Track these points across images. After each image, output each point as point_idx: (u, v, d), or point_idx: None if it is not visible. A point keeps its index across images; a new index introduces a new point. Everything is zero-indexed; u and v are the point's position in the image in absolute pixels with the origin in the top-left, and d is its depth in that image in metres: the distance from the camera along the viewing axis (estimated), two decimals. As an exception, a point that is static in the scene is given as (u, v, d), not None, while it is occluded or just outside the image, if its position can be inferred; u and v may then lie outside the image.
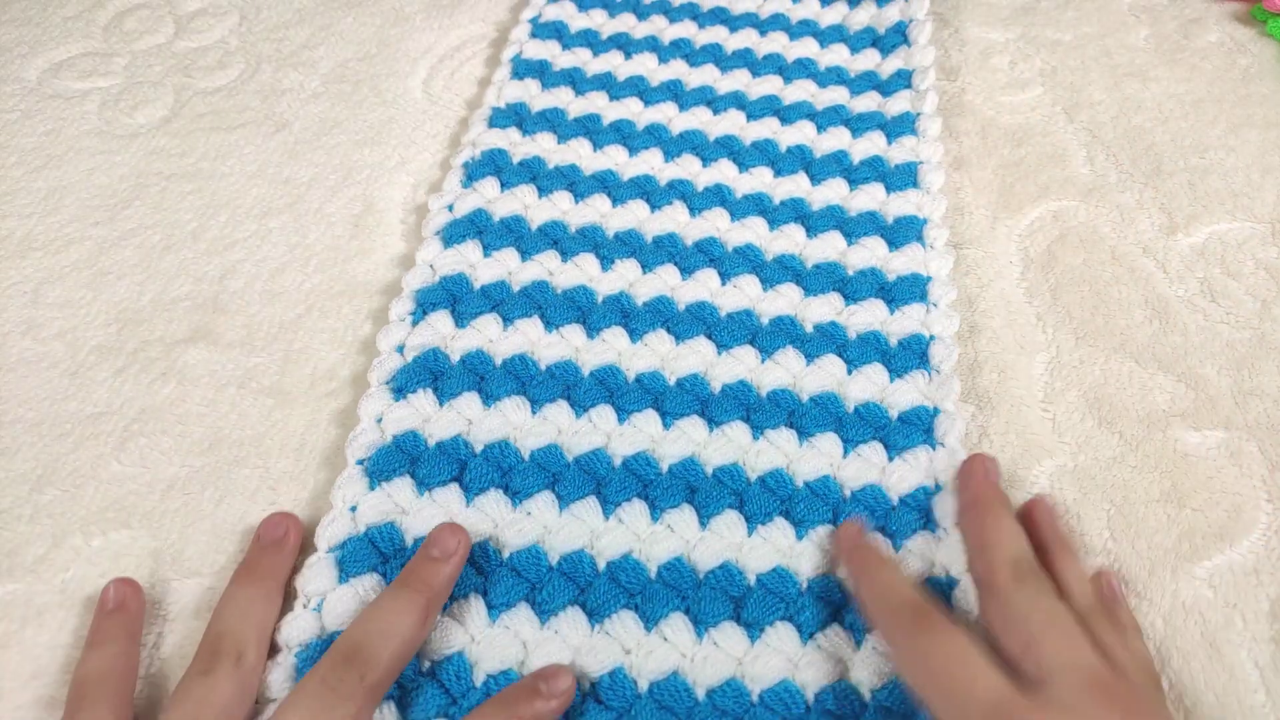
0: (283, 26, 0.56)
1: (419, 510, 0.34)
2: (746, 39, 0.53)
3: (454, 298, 0.41)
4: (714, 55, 0.52)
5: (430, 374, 0.38)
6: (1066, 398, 0.39)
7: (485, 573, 0.33)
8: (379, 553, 0.33)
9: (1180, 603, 0.33)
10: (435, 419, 0.37)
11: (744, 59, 0.52)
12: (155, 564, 0.34)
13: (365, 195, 0.47)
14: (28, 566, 0.34)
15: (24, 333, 0.41)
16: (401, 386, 0.37)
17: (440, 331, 0.39)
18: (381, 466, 0.35)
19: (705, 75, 0.51)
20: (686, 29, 0.53)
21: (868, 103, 0.49)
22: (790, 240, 0.43)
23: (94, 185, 0.47)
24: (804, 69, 0.51)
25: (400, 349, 0.39)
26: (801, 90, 0.50)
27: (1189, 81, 0.51)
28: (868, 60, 0.51)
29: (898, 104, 0.48)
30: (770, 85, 0.50)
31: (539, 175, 0.46)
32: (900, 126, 0.47)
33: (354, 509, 0.34)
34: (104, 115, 0.50)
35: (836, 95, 0.49)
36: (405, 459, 0.35)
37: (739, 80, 0.50)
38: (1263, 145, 0.48)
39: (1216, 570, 0.34)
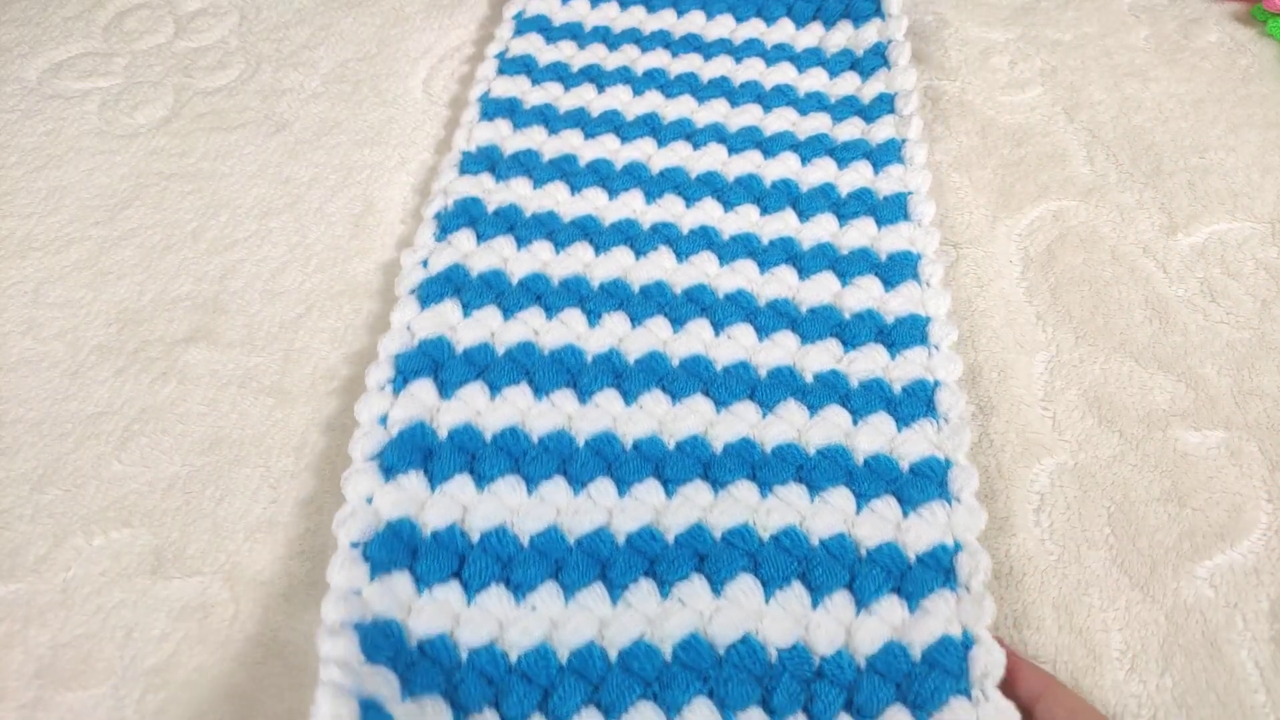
0: (283, 26, 0.56)
1: (421, 609, 0.32)
2: (722, 66, 0.51)
3: (436, 364, 0.38)
4: (690, 85, 0.49)
5: (419, 452, 0.35)
6: (1066, 396, 0.39)
7: (494, 681, 0.31)
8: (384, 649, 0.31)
9: (1181, 602, 0.33)
10: (430, 505, 0.34)
11: (721, 88, 0.49)
12: (156, 563, 0.34)
13: (365, 195, 0.47)
14: (29, 566, 0.34)
15: (24, 332, 0.41)
16: (391, 466, 0.35)
17: (425, 403, 0.36)
18: (380, 555, 0.32)
19: (682, 107, 0.48)
20: (660, 58, 0.51)
21: (851, 130, 0.47)
22: (782, 284, 0.41)
23: (94, 185, 0.47)
24: (783, 96, 0.49)
25: (383, 421, 0.36)
26: (782, 120, 0.48)
27: (1189, 81, 0.51)
28: (848, 84, 0.49)
29: (882, 130, 0.47)
30: (750, 115, 0.48)
31: (516, 224, 0.43)
32: (886, 155, 0.45)
33: (358, 592, 0.32)
34: (104, 115, 0.50)
35: (819, 123, 0.47)
36: (404, 549, 0.33)
37: (717, 111, 0.48)
38: (1263, 145, 0.48)
39: (1217, 570, 0.34)
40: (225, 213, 0.46)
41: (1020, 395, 0.39)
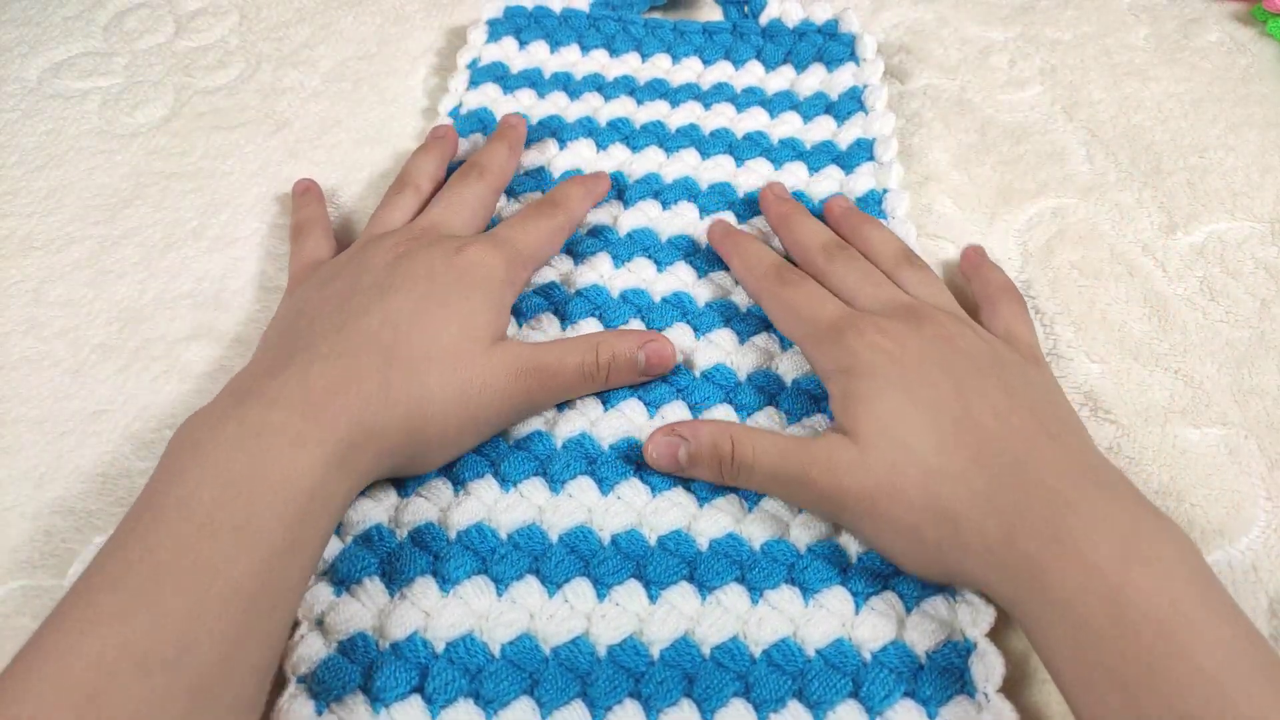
0: (283, 26, 0.56)
1: None
2: (690, 114, 0.48)
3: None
4: (657, 135, 0.47)
5: (375, 557, 0.32)
6: (1064, 392, 0.39)
7: None
8: None
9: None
10: (387, 613, 0.31)
11: (689, 137, 0.46)
12: (157, 562, 0.34)
13: (366, 194, 0.47)
14: (33, 564, 0.34)
15: (26, 331, 0.41)
16: (344, 577, 0.32)
17: (382, 502, 0.34)
18: (328, 684, 0.29)
19: (649, 161, 0.45)
20: (624, 106, 0.48)
21: (828, 184, 0.44)
22: (762, 353, 0.39)
23: (95, 184, 0.47)
24: (756, 145, 0.46)
25: (337, 531, 0.33)
26: (755, 175, 0.45)
27: (1189, 81, 0.51)
28: (823, 129, 0.47)
29: (861, 182, 0.44)
30: (722, 170, 0.45)
31: None
32: (865, 207, 0.43)
33: None
34: (104, 115, 0.50)
35: (794, 177, 0.45)
36: (356, 671, 0.30)
37: (687, 163, 0.45)
38: (1263, 145, 0.48)
39: (1215, 567, 0.34)
40: (226, 211, 0.46)
41: (1020, 393, 0.39)
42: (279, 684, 0.30)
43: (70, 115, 0.50)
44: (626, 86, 0.49)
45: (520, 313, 0.40)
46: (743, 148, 0.46)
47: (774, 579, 0.32)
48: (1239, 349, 0.40)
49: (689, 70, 0.50)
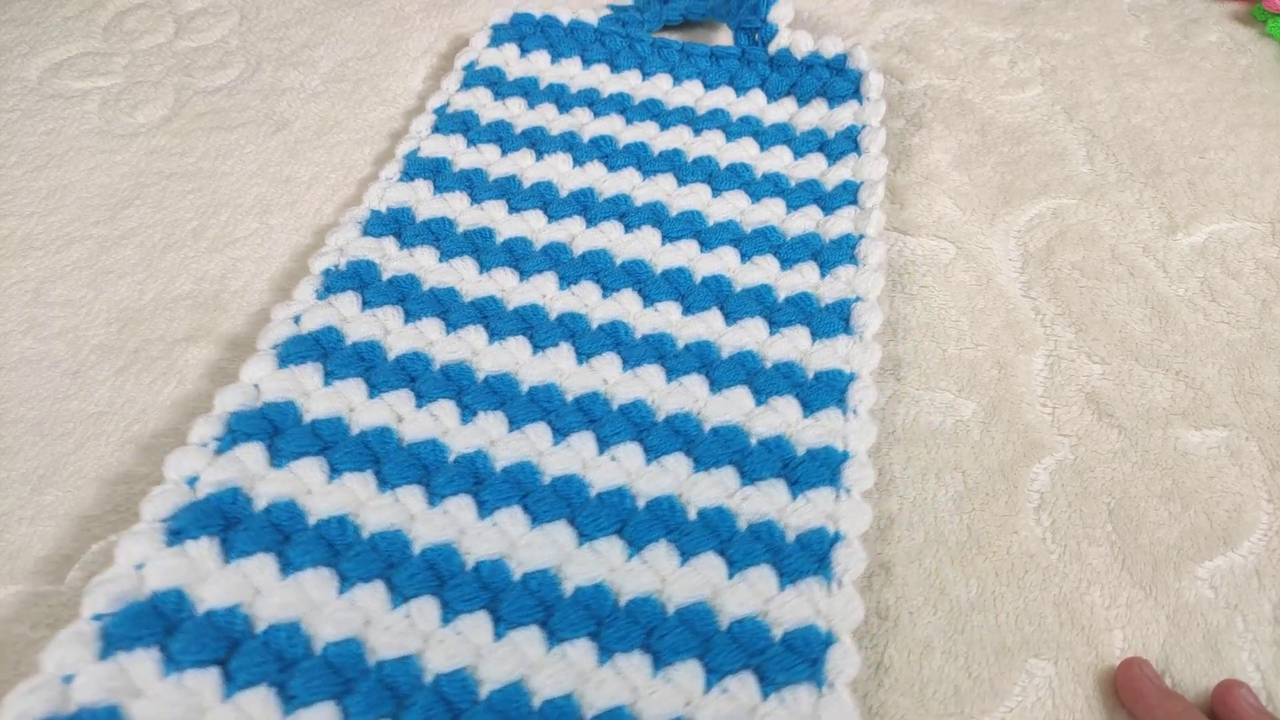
0: (283, 26, 0.56)
1: (158, 693, 0.27)
2: (678, 138, 0.46)
3: (275, 429, 0.34)
4: (637, 157, 0.45)
5: (221, 521, 0.31)
6: (1065, 393, 0.39)
7: None
8: None
9: (1183, 603, 0.33)
10: (215, 579, 0.29)
11: (671, 162, 0.45)
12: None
13: (366, 195, 0.47)
14: (29, 568, 0.34)
15: (25, 332, 0.41)
16: (180, 530, 0.30)
17: (248, 470, 0.32)
18: (124, 632, 0.28)
19: (623, 182, 0.44)
20: (612, 124, 0.47)
21: (804, 222, 0.42)
22: (689, 396, 0.36)
23: (94, 184, 0.47)
24: (737, 177, 0.44)
25: (192, 481, 0.32)
26: (730, 206, 0.43)
27: (1189, 81, 0.51)
28: (812, 167, 0.45)
29: (838, 224, 0.42)
30: (696, 198, 0.43)
31: (410, 297, 0.39)
32: (837, 253, 0.41)
33: (69, 679, 0.27)
34: (104, 115, 0.50)
35: (769, 213, 0.43)
36: (160, 626, 0.28)
37: (662, 188, 0.44)
38: (1263, 145, 0.48)
39: (1217, 571, 0.34)
40: (226, 212, 0.46)
41: (1020, 392, 0.39)
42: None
43: (70, 115, 0.50)
44: (619, 104, 0.48)
45: (451, 323, 0.38)
46: (723, 178, 0.44)
47: (628, 643, 0.29)
48: (1240, 350, 0.40)
49: (688, 93, 0.49)
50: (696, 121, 0.47)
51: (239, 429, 0.33)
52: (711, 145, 0.46)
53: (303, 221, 0.45)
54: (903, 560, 0.34)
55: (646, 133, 0.47)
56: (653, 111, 0.48)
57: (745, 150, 0.46)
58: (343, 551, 0.31)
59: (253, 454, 0.33)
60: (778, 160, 0.46)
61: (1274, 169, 0.46)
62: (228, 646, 0.28)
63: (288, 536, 0.31)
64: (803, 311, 0.39)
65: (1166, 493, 0.36)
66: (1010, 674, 0.31)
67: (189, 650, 0.28)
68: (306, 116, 0.50)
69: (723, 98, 0.49)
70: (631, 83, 0.49)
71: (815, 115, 0.48)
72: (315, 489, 0.32)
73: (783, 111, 0.48)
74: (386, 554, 0.31)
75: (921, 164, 0.47)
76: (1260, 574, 0.33)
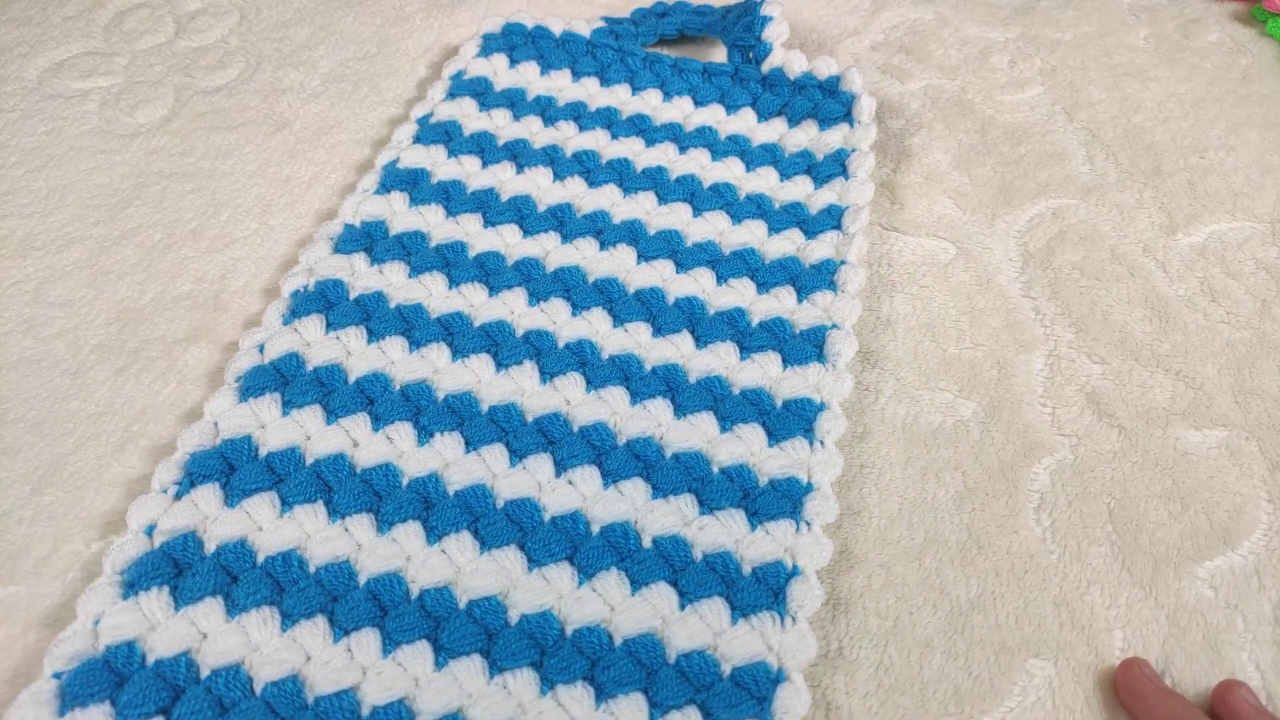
0: (283, 26, 0.56)
1: None
2: (662, 155, 0.45)
3: (229, 468, 0.33)
4: (619, 173, 0.44)
5: (172, 569, 0.31)
6: (1066, 393, 0.39)
7: None
8: None
9: (1183, 603, 0.33)
10: (162, 628, 0.29)
11: (654, 180, 0.44)
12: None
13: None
14: (29, 569, 0.34)
15: (25, 332, 0.41)
16: (134, 581, 0.30)
17: (202, 512, 0.32)
18: (79, 690, 0.28)
19: (603, 198, 0.43)
20: (596, 139, 0.46)
21: (784, 245, 0.42)
22: (651, 420, 0.35)
23: (94, 184, 0.47)
24: (720, 197, 0.44)
25: (149, 531, 0.32)
26: (710, 227, 0.42)
27: (1189, 81, 0.51)
28: (797, 190, 0.44)
29: (820, 249, 0.41)
30: (676, 216, 0.43)
31: (374, 315, 0.38)
32: (816, 279, 0.40)
33: None
34: (104, 115, 0.50)
35: (749, 235, 0.42)
36: (111, 681, 0.29)
37: (642, 206, 0.43)
38: (1263, 145, 0.48)
39: (1217, 571, 0.34)
40: (226, 212, 0.46)
41: (1020, 392, 0.39)
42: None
43: (70, 115, 0.50)
44: (606, 119, 0.47)
45: (414, 341, 0.38)
46: (705, 198, 0.44)
47: (571, 674, 0.29)
48: (1240, 350, 0.40)
49: (678, 109, 0.48)
50: (683, 139, 0.47)
51: (195, 471, 0.33)
52: (696, 164, 0.45)
53: (303, 222, 0.45)
54: (903, 560, 0.34)
55: (631, 149, 0.46)
56: (639, 127, 0.47)
57: (730, 170, 0.45)
58: (288, 588, 0.31)
59: (207, 496, 0.33)
60: (763, 181, 0.45)
61: (1274, 169, 0.46)
62: (171, 695, 0.28)
63: (235, 577, 0.31)
64: (776, 337, 0.38)
65: (1166, 493, 0.36)
66: (1010, 674, 0.31)
67: (134, 703, 0.28)
68: (306, 116, 0.50)
69: (712, 115, 0.48)
70: (620, 97, 0.49)
71: (805, 136, 0.47)
72: (266, 525, 0.32)
73: (772, 131, 0.48)
74: (331, 587, 0.31)
75: (921, 164, 0.47)
76: (1260, 574, 0.33)
